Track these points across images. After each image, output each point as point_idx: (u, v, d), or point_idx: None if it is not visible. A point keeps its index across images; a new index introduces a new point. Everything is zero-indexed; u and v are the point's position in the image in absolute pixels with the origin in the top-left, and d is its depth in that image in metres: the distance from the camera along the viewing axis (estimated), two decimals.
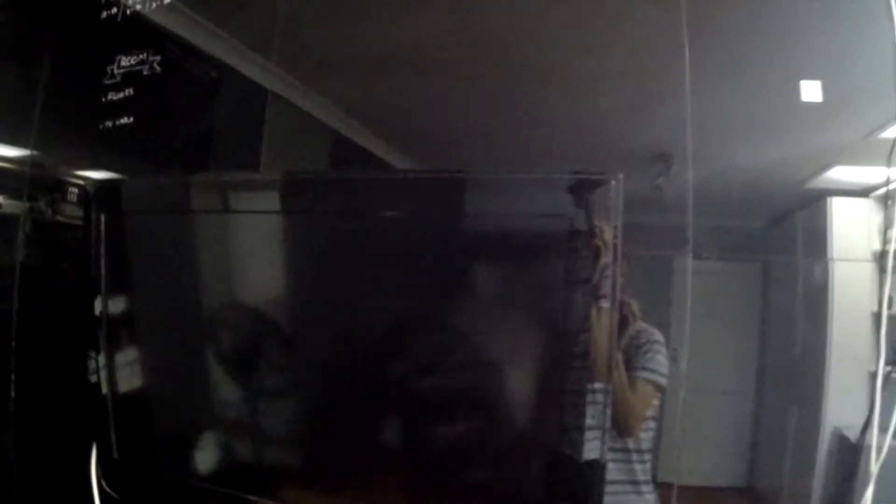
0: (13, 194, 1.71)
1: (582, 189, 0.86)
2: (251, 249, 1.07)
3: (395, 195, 0.97)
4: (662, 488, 1.34)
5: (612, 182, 0.86)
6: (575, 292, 0.86)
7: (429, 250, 0.95)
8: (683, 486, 1.54)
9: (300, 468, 1.06)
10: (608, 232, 0.86)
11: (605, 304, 0.86)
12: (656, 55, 1.16)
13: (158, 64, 1.15)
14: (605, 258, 0.85)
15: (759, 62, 1.17)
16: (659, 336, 1.27)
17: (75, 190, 1.64)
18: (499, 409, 0.94)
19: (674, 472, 1.38)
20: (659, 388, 1.27)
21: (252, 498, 1.04)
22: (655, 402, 1.28)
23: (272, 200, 1.05)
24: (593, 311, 0.86)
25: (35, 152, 1.64)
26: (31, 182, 1.65)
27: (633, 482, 1.30)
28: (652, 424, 1.30)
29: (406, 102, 1.25)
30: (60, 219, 1.64)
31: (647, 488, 1.32)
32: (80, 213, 1.63)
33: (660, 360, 1.26)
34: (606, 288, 0.86)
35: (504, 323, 0.94)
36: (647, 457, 1.32)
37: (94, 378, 1.15)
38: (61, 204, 1.63)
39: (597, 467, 0.87)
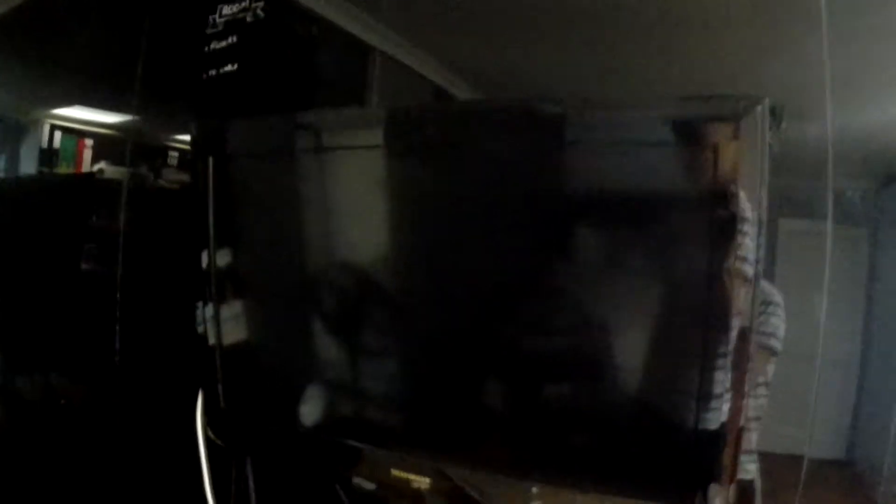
0: (116, 160, 1.77)
1: (719, 116, 0.68)
2: (355, 193, 1.02)
3: (509, 127, 0.85)
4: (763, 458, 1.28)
5: (758, 108, 0.66)
6: (710, 248, 0.72)
7: (543, 194, 0.86)
8: (780, 456, 1.48)
9: (404, 428, 1.04)
10: (751, 175, 0.68)
11: (746, 263, 0.71)
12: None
13: (262, 10, 1.10)
14: (747, 208, 0.70)
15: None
16: (778, 297, 1.20)
17: (176, 154, 1.69)
18: (616, 372, 0.85)
19: (769, 442, 1.31)
20: (773, 353, 1.20)
21: (357, 445, 1.03)
22: (770, 367, 1.21)
23: (375, 136, 0.97)
24: (730, 269, 0.72)
25: (136, 118, 1.69)
26: (133, 148, 1.70)
27: None
28: (763, 391, 1.23)
29: (512, 56, 1.21)
30: (162, 183, 1.69)
31: (749, 458, 1.23)
32: (181, 177, 1.68)
33: (776, 322, 1.19)
34: (747, 244, 0.70)
35: (628, 280, 0.83)
36: (754, 425, 1.24)
37: (201, 328, 1.14)
38: (163, 168, 1.68)
39: (719, 437, 0.74)
